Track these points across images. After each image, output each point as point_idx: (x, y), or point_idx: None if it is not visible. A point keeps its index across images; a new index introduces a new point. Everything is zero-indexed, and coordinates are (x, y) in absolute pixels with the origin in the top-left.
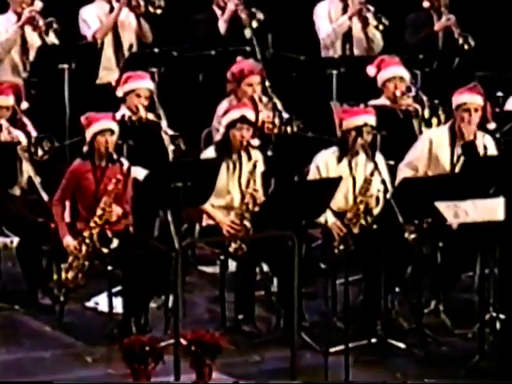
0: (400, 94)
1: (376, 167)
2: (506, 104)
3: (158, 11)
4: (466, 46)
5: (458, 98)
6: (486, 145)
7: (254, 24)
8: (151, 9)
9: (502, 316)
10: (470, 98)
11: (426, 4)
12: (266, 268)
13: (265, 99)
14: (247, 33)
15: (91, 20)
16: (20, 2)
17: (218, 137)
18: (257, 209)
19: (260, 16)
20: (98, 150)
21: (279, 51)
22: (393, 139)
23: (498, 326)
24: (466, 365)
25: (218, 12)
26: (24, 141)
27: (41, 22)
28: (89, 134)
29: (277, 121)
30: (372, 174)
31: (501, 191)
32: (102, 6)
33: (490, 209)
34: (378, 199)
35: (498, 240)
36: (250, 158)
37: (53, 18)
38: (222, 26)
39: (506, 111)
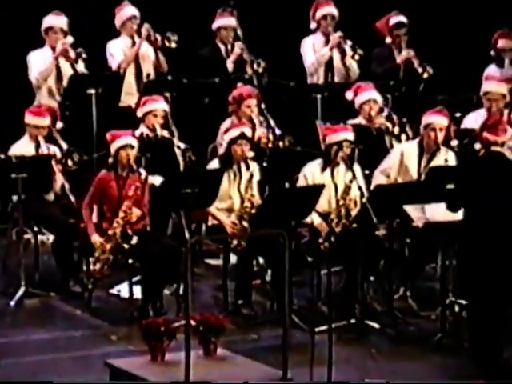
0: (375, 114)
1: (354, 176)
2: (462, 122)
3: (173, 45)
4: (425, 75)
5: (427, 119)
6: (448, 159)
7: (260, 70)
8: (167, 43)
9: (460, 301)
10: (436, 119)
11: (388, 40)
12: (261, 261)
13: (261, 118)
14: (249, 70)
15: (116, 52)
16: (55, 38)
17: (221, 150)
18: (254, 211)
19: (262, 64)
20: (120, 162)
21: (272, 78)
22: (368, 152)
23: (456, 308)
24: (430, 342)
25: (222, 47)
26: (58, 154)
27: (71, 53)
28: (113, 148)
29: (271, 137)
30: (351, 182)
31: (459, 196)
32: (126, 40)
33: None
34: (355, 203)
35: (457, 236)
36: (248, 168)
37: (81, 48)
38: (229, 66)
39: (463, 129)
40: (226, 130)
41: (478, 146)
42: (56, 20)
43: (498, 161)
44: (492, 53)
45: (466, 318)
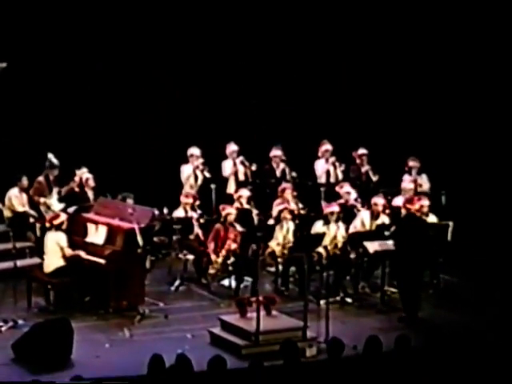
0: (348, 198)
1: (338, 228)
2: (392, 201)
3: (253, 168)
4: (374, 178)
5: (373, 200)
6: (384, 220)
7: (294, 175)
8: (252, 167)
9: (390, 289)
10: (378, 200)
11: (358, 161)
12: (293, 268)
13: (294, 200)
14: (288, 176)
15: (227, 169)
16: (195, 157)
17: (274, 214)
18: (290, 245)
19: (294, 174)
20: (227, 221)
21: (301, 179)
22: (345, 217)
23: (388, 292)
24: (375, 308)
25: (274, 165)
26: (196, 216)
27: (201, 167)
28: (223, 213)
29: (298, 208)
30: (337, 231)
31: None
32: (230, 163)
33: (388, 244)
34: (339, 242)
35: (389, 257)
36: (287, 224)
37: (206, 166)
38: (278, 174)
39: (393, 205)
40: (278, 204)
41: (403, 211)
42: (194, 150)
43: (412, 217)
44: (406, 168)
45: (399, 296)
